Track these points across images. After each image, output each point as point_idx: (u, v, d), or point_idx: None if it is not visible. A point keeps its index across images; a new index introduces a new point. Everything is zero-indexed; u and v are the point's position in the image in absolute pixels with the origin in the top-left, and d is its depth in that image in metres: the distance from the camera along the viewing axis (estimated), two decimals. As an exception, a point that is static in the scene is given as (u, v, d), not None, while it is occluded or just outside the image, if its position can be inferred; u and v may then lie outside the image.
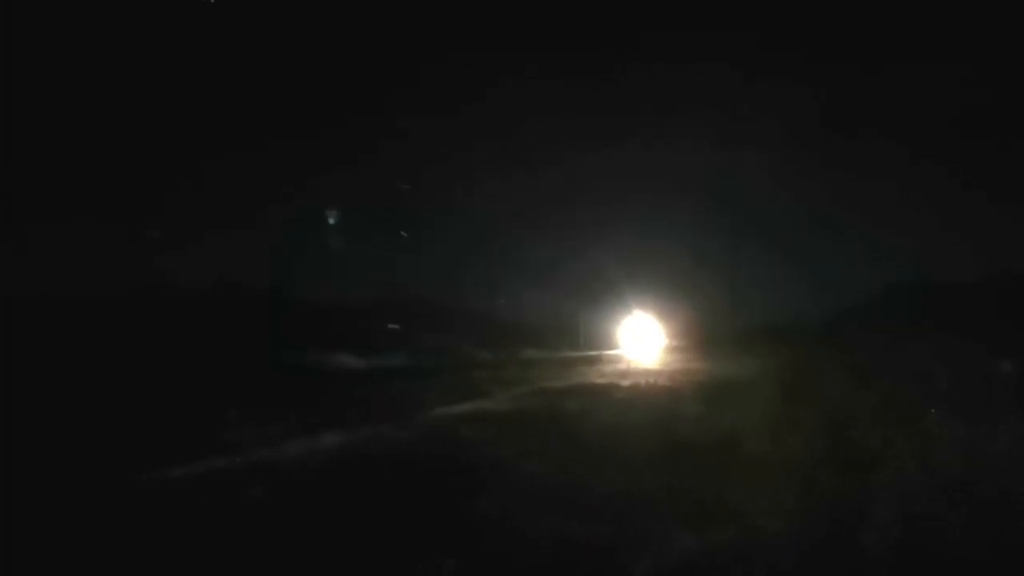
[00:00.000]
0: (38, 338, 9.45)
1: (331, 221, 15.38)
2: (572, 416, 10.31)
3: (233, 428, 8.38)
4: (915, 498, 5.85)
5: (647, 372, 15.36)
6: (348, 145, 15.67)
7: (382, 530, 5.40)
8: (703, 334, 21.07)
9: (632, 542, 5.19)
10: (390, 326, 15.37)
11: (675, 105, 17.30)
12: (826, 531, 5.31)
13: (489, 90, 15.90)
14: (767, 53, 15.96)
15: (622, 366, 16.77)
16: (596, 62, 16.37)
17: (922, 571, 4.85)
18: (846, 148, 18.07)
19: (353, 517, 5.67)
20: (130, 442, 7.61)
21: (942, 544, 5.06)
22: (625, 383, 13.42)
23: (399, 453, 8.03)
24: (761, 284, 20.22)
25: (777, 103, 17.15)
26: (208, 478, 6.64)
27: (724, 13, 15.71)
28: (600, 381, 13.81)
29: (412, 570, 4.90)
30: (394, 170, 16.51)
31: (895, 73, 16.12)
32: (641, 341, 21.11)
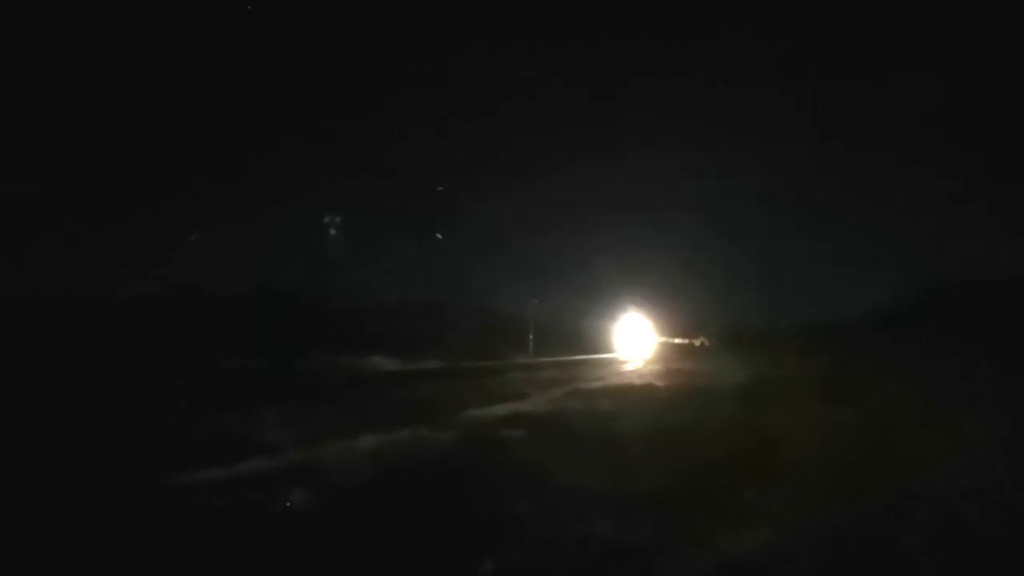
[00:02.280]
0: (49, 342, 9.44)
1: (363, 225, 15.42)
2: (610, 417, 10.18)
3: (269, 431, 8.26)
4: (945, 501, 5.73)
5: (682, 372, 15.25)
6: (382, 151, 15.71)
7: (420, 530, 5.33)
8: (732, 336, 20.96)
9: (669, 544, 5.09)
10: (424, 327, 15.34)
11: (682, 110, 17.13)
12: (864, 532, 5.23)
13: (488, 95, 15.84)
14: (773, 52, 15.79)
15: (657, 367, 16.65)
16: (596, 64, 16.26)
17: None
18: (852, 147, 17.86)
19: (391, 518, 5.59)
20: (165, 445, 7.53)
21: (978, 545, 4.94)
22: (661, 383, 13.33)
23: (436, 454, 7.98)
24: (783, 287, 20.00)
25: (782, 103, 16.98)
26: (246, 480, 6.59)
27: (726, 13, 15.53)
28: (637, 382, 13.75)
29: (450, 570, 4.83)
30: (425, 174, 16.52)
31: (908, 73, 15.85)
32: (672, 343, 20.99)
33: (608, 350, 19.12)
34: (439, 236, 15.58)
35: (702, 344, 21.74)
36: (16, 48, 9.68)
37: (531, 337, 17.49)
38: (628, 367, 16.73)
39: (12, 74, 9.55)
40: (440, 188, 15.62)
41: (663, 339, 21.52)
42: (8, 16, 9.59)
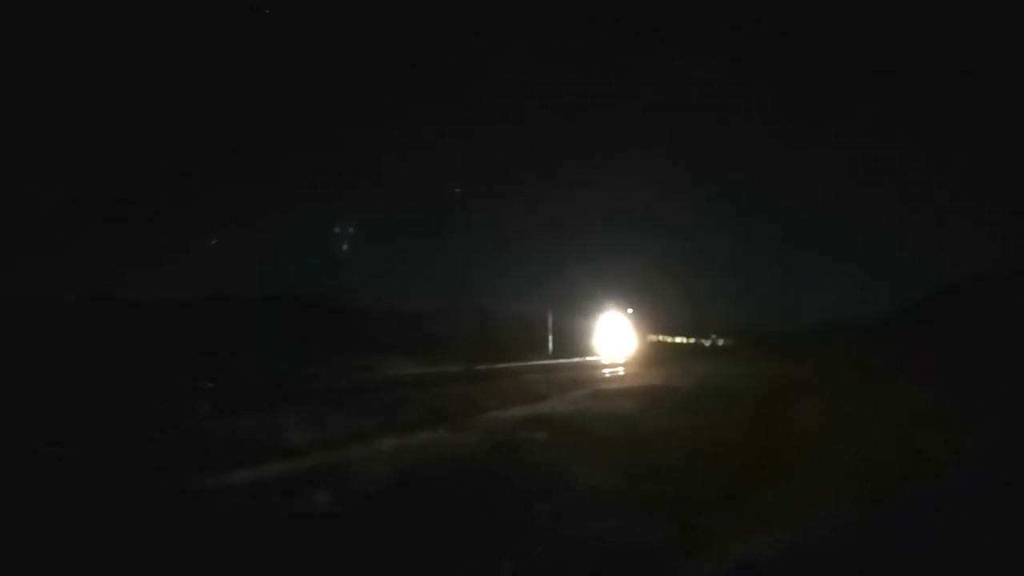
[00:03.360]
0: (72, 346, 9.40)
1: (379, 229, 15.51)
2: (631, 420, 10.01)
3: (288, 433, 8.22)
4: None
5: (701, 373, 15.19)
6: (398, 156, 15.79)
7: (438, 532, 5.24)
8: (746, 336, 20.95)
9: (689, 546, 4.98)
10: (440, 330, 15.35)
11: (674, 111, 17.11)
12: (880, 534, 5.09)
13: (499, 97, 15.87)
14: (775, 52, 15.78)
15: (675, 368, 16.58)
16: (597, 67, 16.26)
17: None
18: (858, 147, 17.86)
19: (413, 519, 5.51)
20: (186, 448, 7.55)
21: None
22: (681, 384, 13.26)
23: (457, 456, 7.89)
24: (797, 287, 20.00)
25: (788, 105, 16.99)
26: (268, 482, 6.44)
27: (722, 13, 15.50)
28: (657, 383, 13.68)
29: (471, 572, 4.75)
30: (440, 177, 16.59)
31: (909, 73, 15.80)
32: (689, 343, 20.97)
33: (626, 351, 19.06)
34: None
35: (713, 343, 21.78)
36: (16, 50, 9.60)
37: (550, 339, 17.50)
38: (647, 368, 16.61)
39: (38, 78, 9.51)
40: (457, 190, 15.65)
41: (679, 339, 21.52)
42: (11, 15, 9.52)
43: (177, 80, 11.59)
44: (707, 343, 22.07)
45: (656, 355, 19.34)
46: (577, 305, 18.17)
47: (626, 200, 18.06)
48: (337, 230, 15.04)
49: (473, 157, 16.57)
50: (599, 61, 16.03)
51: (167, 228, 12.27)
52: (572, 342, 18.17)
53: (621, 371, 16.45)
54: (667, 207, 18.14)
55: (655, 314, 20.08)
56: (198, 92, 11.91)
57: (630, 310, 18.95)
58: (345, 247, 15.03)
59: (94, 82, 11.18)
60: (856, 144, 17.64)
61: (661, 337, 21.11)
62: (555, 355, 17.39)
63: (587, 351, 18.19)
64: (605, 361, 17.81)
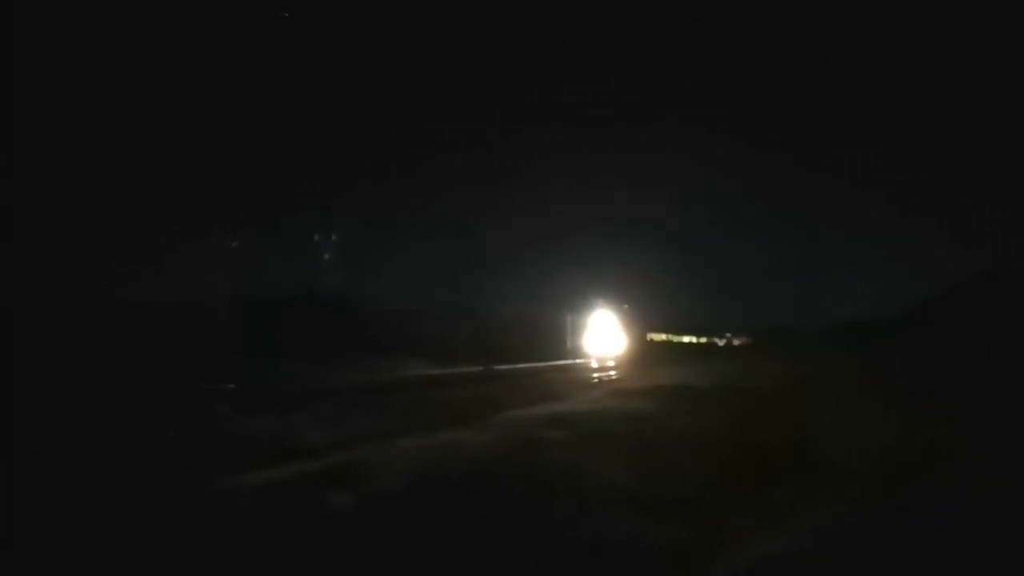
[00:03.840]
0: (85, 349, 9.37)
1: (394, 230, 15.57)
2: (645, 417, 10.11)
3: (306, 434, 8.33)
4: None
5: (716, 373, 15.18)
6: (412, 156, 15.82)
7: (456, 531, 5.35)
8: (760, 335, 20.91)
9: (708, 545, 5.08)
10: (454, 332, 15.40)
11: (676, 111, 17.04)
12: (880, 534, 5.19)
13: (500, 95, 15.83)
14: (774, 51, 15.73)
15: (694, 368, 16.57)
16: (598, 66, 16.20)
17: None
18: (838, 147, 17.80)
19: (428, 519, 5.62)
20: (205, 449, 7.60)
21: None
22: (700, 384, 13.27)
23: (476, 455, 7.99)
24: (811, 287, 19.96)
25: (792, 104, 16.94)
26: (287, 483, 6.50)
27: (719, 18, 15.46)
28: (671, 382, 13.66)
29: (482, 571, 4.86)
30: (454, 179, 16.63)
31: (909, 73, 15.72)
32: (703, 342, 20.92)
33: (639, 352, 19.05)
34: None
35: (728, 343, 21.71)
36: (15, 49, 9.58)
37: (566, 340, 17.52)
38: (663, 368, 16.63)
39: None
40: (476, 190, 15.72)
41: (693, 339, 21.48)
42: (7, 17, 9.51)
43: (183, 81, 11.63)
44: (721, 342, 21.98)
45: (670, 355, 19.31)
46: (587, 306, 18.18)
47: (637, 202, 18.08)
48: (354, 233, 15.11)
49: (483, 162, 16.62)
50: (601, 67, 16.03)
51: (185, 230, 12.34)
52: (584, 343, 18.17)
53: (635, 371, 16.47)
54: (675, 209, 18.13)
55: (669, 314, 20.07)
56: (206, 92, 11.94)
57: (643, 311, 18.96)
58: (362, 250, 15.11)
59: (97, 84, 11.20)
60: (860, 145, 17.60)
61: (675, 337, 21.08)
62: (567, 356, 17.39)
63: (598, 352, 18.18)
64: (617, 362, 17.84)
